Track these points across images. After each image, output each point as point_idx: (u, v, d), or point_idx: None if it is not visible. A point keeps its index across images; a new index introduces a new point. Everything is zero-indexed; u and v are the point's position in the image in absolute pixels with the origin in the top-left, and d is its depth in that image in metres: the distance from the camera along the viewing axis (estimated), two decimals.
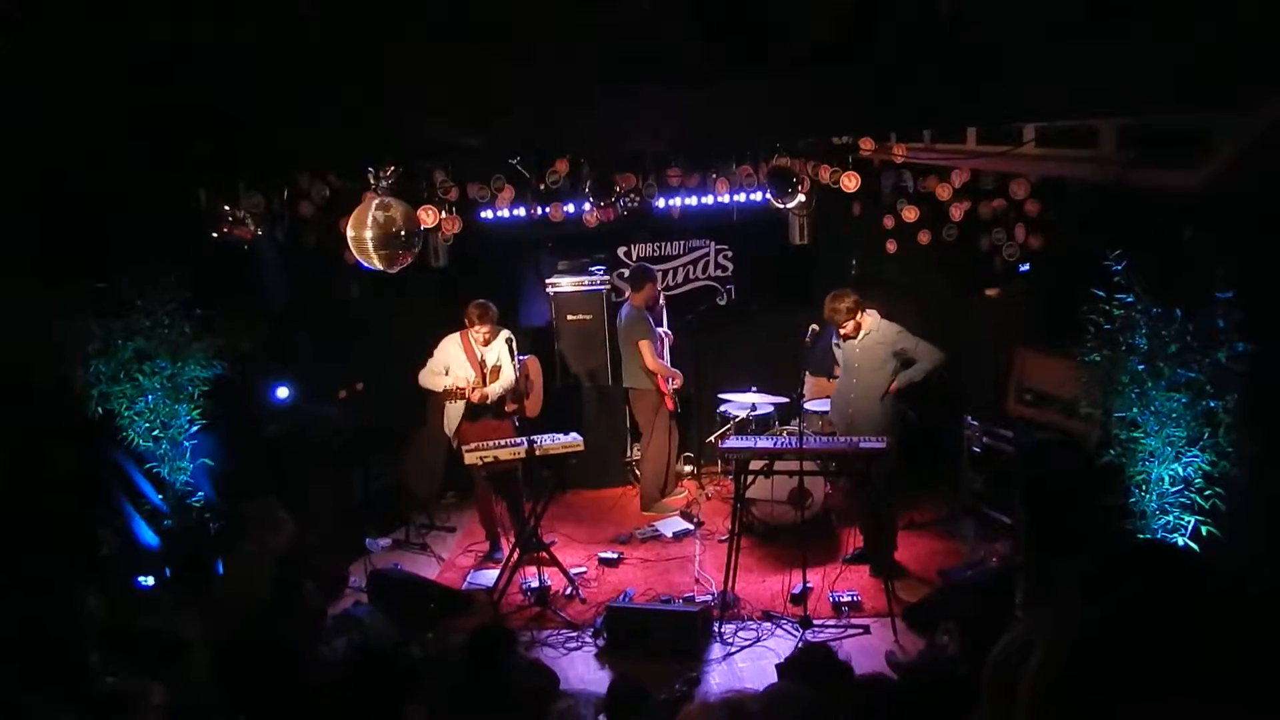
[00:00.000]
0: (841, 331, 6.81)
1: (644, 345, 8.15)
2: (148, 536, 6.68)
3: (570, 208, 8.11)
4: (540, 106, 4.87)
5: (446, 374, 7.27)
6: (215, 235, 7.03)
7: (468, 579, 7.36)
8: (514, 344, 7.17)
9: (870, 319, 6.78)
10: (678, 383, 8.40)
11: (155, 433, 6.65)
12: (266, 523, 6.63)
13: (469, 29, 4.01)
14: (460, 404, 7.33)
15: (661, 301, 8.76)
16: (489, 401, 7.29)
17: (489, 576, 7.23)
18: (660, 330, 8.46)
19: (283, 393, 7.63)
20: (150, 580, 6.53)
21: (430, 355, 7.41)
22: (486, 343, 7.31)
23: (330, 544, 7.55)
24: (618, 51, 4.12)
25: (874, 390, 6.75)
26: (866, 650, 5.92)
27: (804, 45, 4.01)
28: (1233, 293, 4.90)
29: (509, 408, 7.40)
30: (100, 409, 6.45)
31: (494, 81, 4.53)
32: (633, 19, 3.81)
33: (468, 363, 7.31)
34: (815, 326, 7.85)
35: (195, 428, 6.81)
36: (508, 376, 7.30)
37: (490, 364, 7.35)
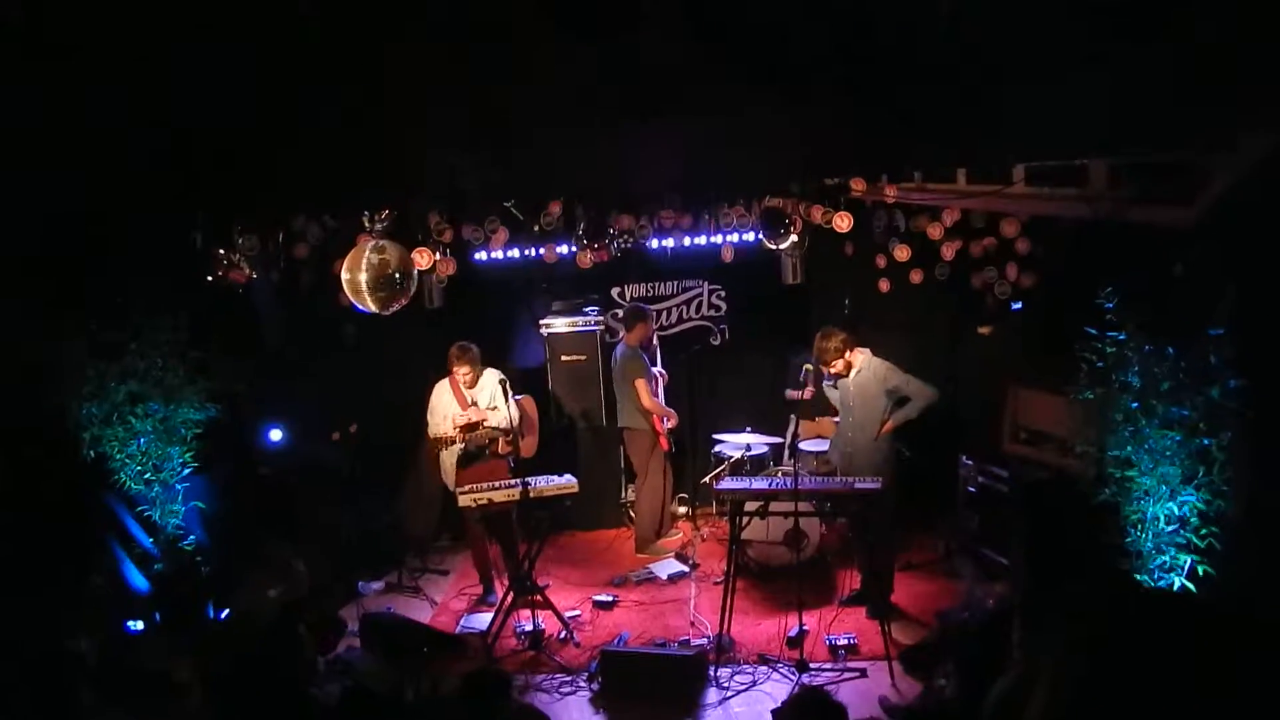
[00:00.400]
0: (831, 370, 6.81)
1: (640, 384, 8.14)
2: (138, 580, 6.62)
3: (564, 249, 8.15)
4: (542, 137, 4.90)
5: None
6: (210, 279, 7.06)
7: (461, 622, 7.29)
8: (507, 384, 7.14)
9: (861, 356, 6.78)
10: (673, 422, 8.38)
11: (147, 475, 6.62)
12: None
13: (473, 57, 4.04)
14: (454, 451, 7.28)
15: (655, 342, 8.77)
16: (487, 426, 7.23)
17: (482, 620, 7.17)
18: (655, 370, 8.46)
19: (275, 435, 7.61)
20: (140, 624, 6.46)
21: (427, 407, 7.39)
22: (471, 384, 7.28)
23: (322, 587, 7.50)
24: (618, 81, 4.16)
25: (869, 428, 6.74)
26: (864, 694, 5.85)
27: (806, 75, 4.06)
28: (1225, 329, 4.92)
29: (503, 449, 7.35)
30: (92, 452, 6.42)
31: (495, 111, 4.56)
32: (634, 49, 3.85)
33: (458, 406, 7.28)
34: (809, 366, 7.88)
35: (188, 470, 6.78)
36: (503, 415, 7.26)
37: (483, 405, 7.32)
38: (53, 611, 5.37)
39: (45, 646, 4.79)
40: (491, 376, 7.29)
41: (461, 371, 7.19)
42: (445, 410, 7.27)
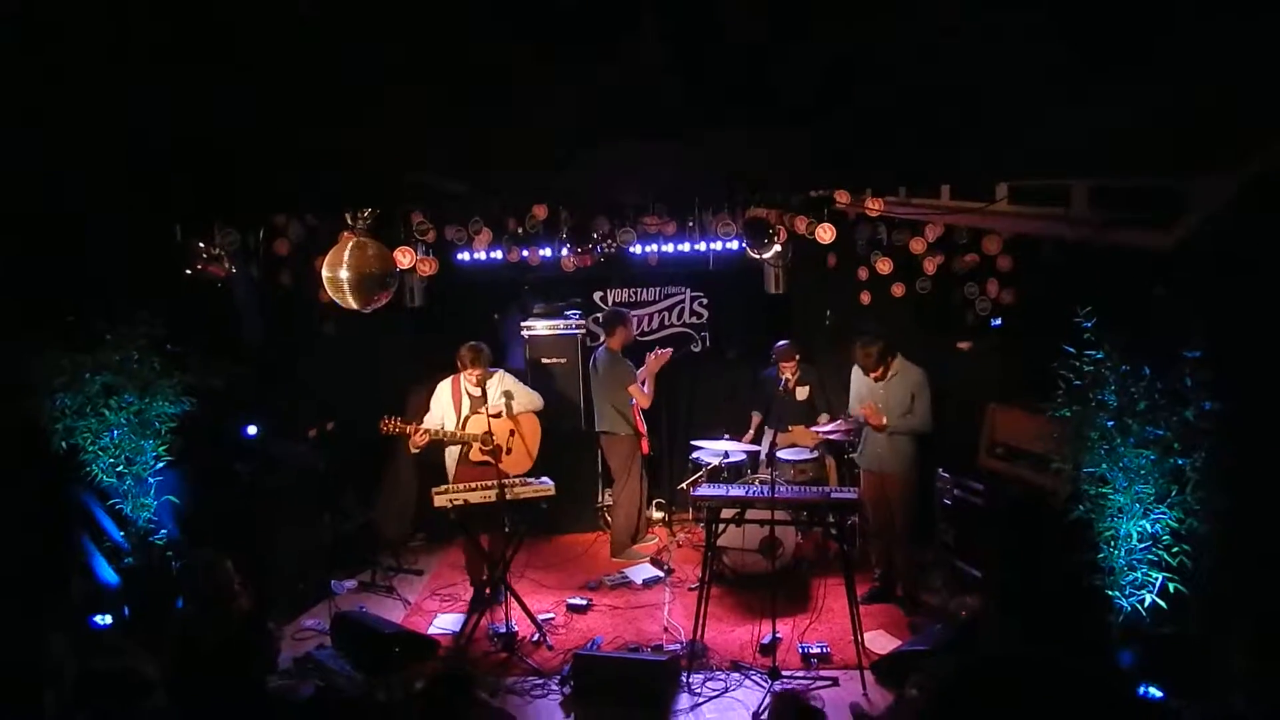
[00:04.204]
0: (873, 376, 7.06)
1: (634, 390, 8.17)
2: (107, 574, 6.55)
3: (547, 252, 8.14)
4: (527, 156, 4.88)
5: (442, 423, 7.20)
6: (189, 272, 7.00)
7: (433, 623, 7.26)
8: (499, 390, 7.14)
9: (897, 361, 7.05)
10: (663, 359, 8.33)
11: (119, 468, 6.55)
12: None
13: (462, 78, 4.01)
14: (455, 449, 7.25)
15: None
16: (464, 432, 7.20)
17: (455, 621, 7.14)
18: (655, 353, 8.38)
19: (252, 430, 7.55)
20: (108, 619, 6.39)
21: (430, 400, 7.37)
22: (478, 384, 7.23)
23: (295, 584, 7.47)
24: (606, 102, 4.14)
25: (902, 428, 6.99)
26: (834, 703, 5.86)
27: (790, 100, 4.05)
28: (1201, 351, 4.97)
29: (476, 456, 7.26)
30: (64, 443, 6.35)
31: (483, 130, 4.53)
32: (623, 71, 3.83)
33: (452, 407, 7.22)
34: (789, 378, 7.96)
35: (161, 464, 6.72)
36: (533, 400, 7.43)
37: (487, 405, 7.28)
38: (24, 611, 5.30)
39: (15, 649, 4.72)
40: (498, 380, 7.30)
41: (475, 373, 7.13)
42: (442, 409, 7.22)
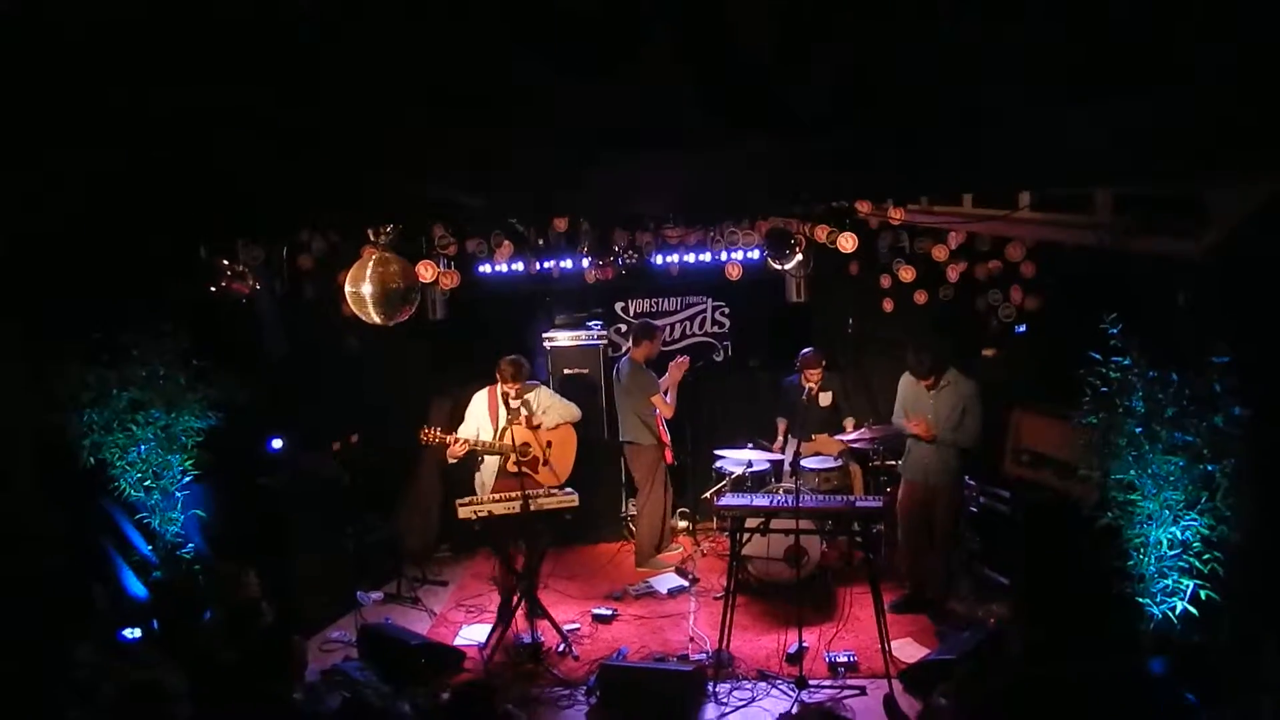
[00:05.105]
0: (925, 384, 6.97)
1: (657, 400, 8.16)
2: (136, 588, 6.61)
3: (568, 264, 8.16)
4: (541, 171, 4.88)
5: (478, 433, 7.20)
6: (214, 289, 7.06)
7: (459, 634, 7.28)
8: (537, 403, 7.17)
9: (950, 372, 6.96)
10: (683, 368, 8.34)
11: (147, 483, 6.61)
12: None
13: (472, 93, 4.02)
14: (494, 461, 7.26)
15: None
16: (502, 443, 7.20)
17: (481, 632, 7.16)
18: (677, 360, 8.41)
19: (277, 444, 7.60)
20: (136, 632, 6.44)
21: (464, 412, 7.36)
22: (516, 397, 7.22)
23: (320, 596, 7.50)
24: (619, 116, 4.14)
25: (948, 437, 6.90)
26: (862, 712, 5.84)
27: (803, 112, 4.03)
28: (1229, 357, 4.92)
29: (511, 467, 7.23)
30: (92, 459, 6.41)
31: (496, 146, 4.54)
32: (634, 85, 3.82)
33: (488, 418, 7.24)
34: (812, 385, 7.93)
35: (188, 478, 6.78)
36: (570, 412, 7.44)
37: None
38: (51, 625, 5.35)
39: (42, 659, 4.76)
40: (535, 395, 7.30)
41: (514, 387, 7.10)
42: (477, 420, 7.23)
